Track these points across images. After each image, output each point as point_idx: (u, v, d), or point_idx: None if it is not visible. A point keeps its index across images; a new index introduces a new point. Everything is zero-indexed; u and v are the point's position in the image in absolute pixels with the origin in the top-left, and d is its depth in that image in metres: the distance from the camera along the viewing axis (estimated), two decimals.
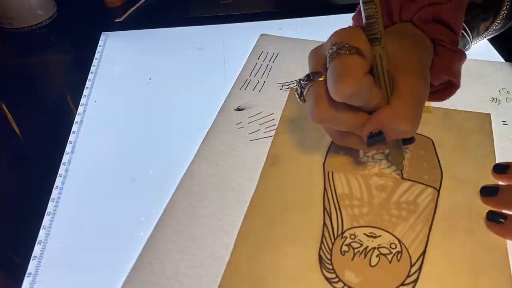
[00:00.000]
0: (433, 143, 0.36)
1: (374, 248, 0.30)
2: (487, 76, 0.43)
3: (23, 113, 0.45)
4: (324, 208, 0.32)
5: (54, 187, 0.36)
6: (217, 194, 0.34)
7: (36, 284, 0.29)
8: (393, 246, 0.30)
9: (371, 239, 0.30)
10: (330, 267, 0.29)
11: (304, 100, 0.30)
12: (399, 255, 0.29)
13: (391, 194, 0.33)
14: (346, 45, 0.27)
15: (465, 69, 0.43)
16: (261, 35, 0.51)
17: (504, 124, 0.38)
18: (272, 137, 0.38)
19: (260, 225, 0.31)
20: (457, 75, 0.34)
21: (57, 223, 0.33)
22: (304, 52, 0.32)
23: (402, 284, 0.28)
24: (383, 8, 0.34)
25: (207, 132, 0.39)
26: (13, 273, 0.30)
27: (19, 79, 0.50)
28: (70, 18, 0.59)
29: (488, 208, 0.31)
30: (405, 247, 0.30)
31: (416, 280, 0.28)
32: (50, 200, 0.35)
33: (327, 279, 0.28)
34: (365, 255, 0.29)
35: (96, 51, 0.51)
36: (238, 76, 0.45)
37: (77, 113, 0.43)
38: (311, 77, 0.29)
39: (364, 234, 0.30)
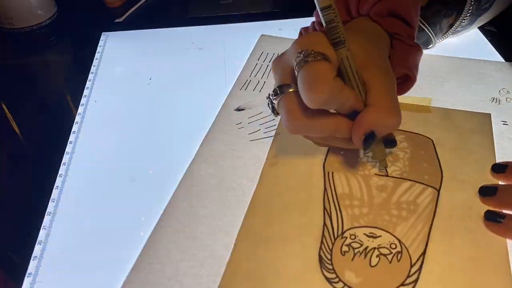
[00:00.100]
0: (433, 143, 0.36)
1: (374, 248, 0.30)
2: (487, 76, 0.43)
3: (23, 113, 0.45)
4: (324, 208, 0.32)
5: (54, 187, 0.35)
6: (217, 194, 0.34)
7: (36, 284, 0.29)
8: (393, 246, 0.30)
9: (371, 239, 0.30)
10: (330, 267, 0.29)
11: (277, 114, 0.30)
12: (399, 255, 0.29)
13: (391, 194, 0.33)
14: (312, 52, 0.27)
15: (465, 69, 0.43)
16: (261, 35, 0.51)
17: (504, 124, 0.38)
18: (272, 137, 0.38)
19: (260, 225, 0.31)
20: (413, 68, 0.34)
21: (57, 223, 0.33)
22: None
23: (402, 284, 0.28)
24: (341, 3, 0.35)
25: (207, 132, 0.39)
26: (13, 273, 0.30)
27: (19, 79, 0.50)
28: (70, 18, 0.59)
29: (487, 208, 0.31)
30: (405, 247, 0.30)
31: (416, 280, 0.28)
32: (50, 200, 0.35)
33: (327, 279, 0.28)
34: (365, 255, 0.29)
35: (96, 51, 0.52)
36: (238, 76, 0.45)
37: (77, 113, 0.43)
38: (280, 90, 0.29)
39: (364, 234, 0.30)
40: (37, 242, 0.32)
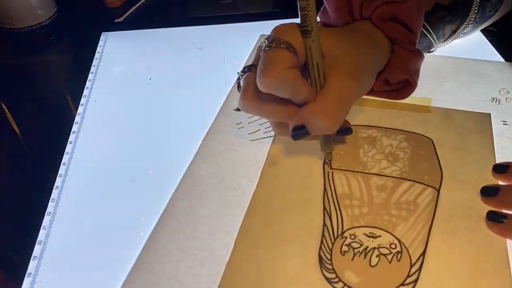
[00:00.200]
0: (432, 143, 0.36)
1: (374, 248, 0.30)
2: (487, 76, 0.43)
3: (23, 113, 0.45)
4: (324, 208, 0.32)
5: (54, 187, 0.36)
6: (217, 194, 0.34)
7: (36, 284, 0.29)
8: (393, 246, 0.30)
9: (371, 239, 0.30)
10: (330, 267, 0.29)
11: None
12: (399, 255, 0.29)
13: (391, 194, 0.33)
14: (277, 39, 0.28)
15: (465, 69, 0.43)
16: (261, 35, 0.51)
17: (504, 124, 0.38)
18: (272, 137, 0.38)
19: (260, 225, 0.31)
20: (413, 74, 0.34)
21: (57, 223, 0.33)
22: None
23: (402, 284, 0.28)
24: (344, 6, 0.35)
25: (207, 132, 0.39)
26: (13, 273, 0.30)
27: (19, 79, 0.50)
28: (70, 18, 0.59)
29: (488, 208, 0.31)
30: (405, 247, 0.30)
31: (416, 280, 0.28)
32: (50, 200, 0.35)
33: (327, 279, 0.28)
34: (365, 255, 0.29)
35: (96, 51, 0.52)
36: None
37: (77, 113, 0.43)
38: (246, 69, 0.31)
39: (364, 234, 0.30)
40: (37, 242, 0.32)
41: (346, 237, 0.30)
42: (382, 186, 0.33)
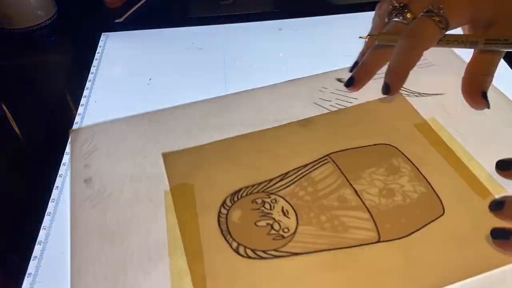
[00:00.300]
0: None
1: (274, 219, 0.31)
2: None
3: (23, 113, 0.45)
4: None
5: (54, 187, 0.35)
6: None
7: (36, 284, 0.29)
8: (285, 230, 0.31)
9: (282, 214, 0.32)
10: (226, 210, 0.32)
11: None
12: (282, 237, 0.31)
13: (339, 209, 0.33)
14: (444, 16, 0.30)
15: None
16: None
17: None
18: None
19: None
20: None
21: (57, 223, 0.33)
22: None
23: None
24: None
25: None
26: (13, 273, 0.30)
27: (19, 79, 0.50)
28: (70, 18, 0.59)
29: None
30: (291, 239, 0.31)
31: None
32: (50, 200, 0.35)
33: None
34: (263, 216, 0.32)
35: (96, 51, 0.52)
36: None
37: (77, 113, 0.43)
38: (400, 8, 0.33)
39: (282, 206, 0.32)
40: (37, 242, 0.32)
41: (269, 196, 0.32)
42: (345, 199, 0.33)
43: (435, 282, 0.28)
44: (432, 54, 0.45)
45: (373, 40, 0.34)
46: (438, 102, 0.41)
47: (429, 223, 0.31)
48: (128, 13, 0.59)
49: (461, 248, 0.30)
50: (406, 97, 0.41)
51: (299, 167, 0.35)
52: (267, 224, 0.31)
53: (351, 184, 0.34)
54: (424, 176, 0.34)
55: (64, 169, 0.37)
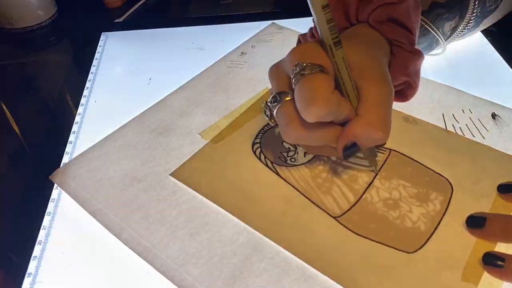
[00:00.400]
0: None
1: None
2: None
3: (23, 113, 0.45)
4: None
5: (54, 187, 0.35)
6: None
7: (36, 284, 0.29)
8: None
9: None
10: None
11: (275, 121, 0.30)
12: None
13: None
14: (309, 65, 0.26)
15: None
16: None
17: None
18: None
19: None
20: (413, 75, 0.34)
21: (57, 223, 0.33)
22: None
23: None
24: (340, 10, 0.35)
25: None
26: (13, 273, 0.30)
27: (19, 79, 0.50)
28: (70, 18, 0.59)
29: None
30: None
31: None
32: (50, 200, 0.35)
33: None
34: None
35: (96, 51, 0.52)
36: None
37: (77, 113, 0.43)
38: (278, 98, 0.29)
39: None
40: (37, 242, 0.32)
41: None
42: (355, 179, 0.34)
43: None
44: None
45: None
46: None
47: (393, 248, 0.30)
48: (128, 13, 0.59)
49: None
50: None
51: None
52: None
53: (374, 177, 0.34)
54: (439, 223, 0.31)
55: None
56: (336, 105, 0.26)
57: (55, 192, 0.35)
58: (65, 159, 0.38)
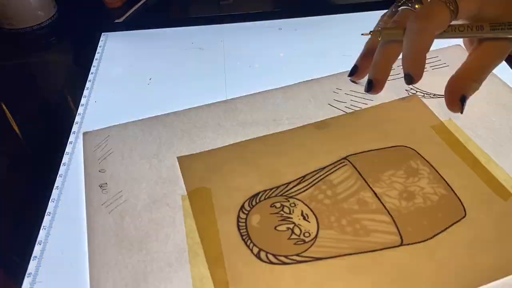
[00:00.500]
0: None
1: (294, 223, 0.31)
2: None
3: (23, 113, 0.45)
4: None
5: (54, 187, 0.35)
6: None
7: (36, 284, 0.29)
8: (306, 234, 0.31)
9: (301, 218, 0.31)
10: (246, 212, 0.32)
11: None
12: (303, 242, 0.30)
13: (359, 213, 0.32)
14: None
15: None
16: None
17: None
18: None
19: None
20: None
21: (57, 223, 0.33)
22: None
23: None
24: None
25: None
26: (13, 273, 0.30)
27: (19, 79, 0.50)
28: (70, 18, 0.59)
29: None
30: (314, 242, 0.31)
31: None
32: (50, 200, 0.35)
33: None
34: (283, 221, 0.31)
35: (96, 51, 0.52)
36: None
37: (77, 113, 0.43)
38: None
39: (302, 210, 0.32)
40: (37, 242, 0.32)
41: (287, 200, 0.32)
42: (365, 202, 0.33)
43: (460, 285, 0.28)
44: (445, 55, 0.45)
45: (376, 38, 0.33)
46: None
47: (451, 225, 0.31)
48: (128, 13, 0.59)
49: (485, 250, 0.29)
50: (421, 99, 0.41)
51: (316, 170, 0.35)
52: (288, 228, 0.31)
53: (370, 187, 0.33)
54: (443, 178, 0.34)
55: (64, 169, 0.37)
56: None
57: (55, 192, 0.35)
58: (65, 159, 0.38)
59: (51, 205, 0.34)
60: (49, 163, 0.38)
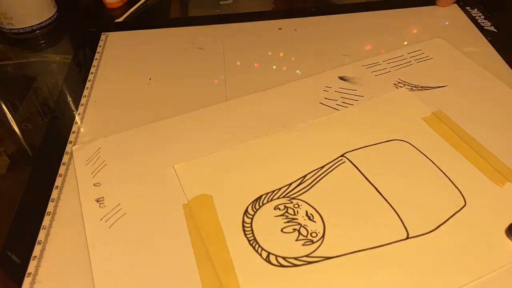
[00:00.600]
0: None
1: (300, 224, 0.31)
2: None
3: (23, 113, 0.45)
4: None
5: (54, 187, 0.35)
6: None
7: (36, 284, 0.29)
8: (313, 234, 0.30)
9: (307, 218, 0.31)
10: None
11: None
12: (311, 242, 0.30)
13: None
14: None
15: None
16: None
17: None
18: None
19: None
20: None
21: (57, 223, 0.33)
22: None
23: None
24: None
25: None
26: (13, 273, 0.30)
27: (19, 79, 0.50)
28: (70, 18, 0.59)
29: None
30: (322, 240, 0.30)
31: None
32: (50, 200, 0.35)
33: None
34: (288, 222, 0.31)
35: (96, 51, 0.52)
36: None
37: (77, 113, 0.43)
38: None
39: (306, 210, 0.32)
40: (37, 242, 0.32)
41: (291, 201, 0.32)
42: (368, 198, 0.33)
43: (467, 274, 0.28)
44: (427, 48, 0.46)
45: None
46: (442, 94, 0.41)
47: (453, 215, 0.31)
48: (128, 13, 0.59)
49: (488, 237, 0.30)
50: (410, 92, 0.41)
51: (316, 169, 0.35)
52: (294, 230, 0.31)
53: (371, 183, 0.33)
54: (440, 169, 0.34)
55: (64, 169, 0.37)
56: None
57: (55, 192, 0.35)
58: (65, 159, 0.38)
59: (51, 205, 0.34)
60: (49, 162, 0.38)
